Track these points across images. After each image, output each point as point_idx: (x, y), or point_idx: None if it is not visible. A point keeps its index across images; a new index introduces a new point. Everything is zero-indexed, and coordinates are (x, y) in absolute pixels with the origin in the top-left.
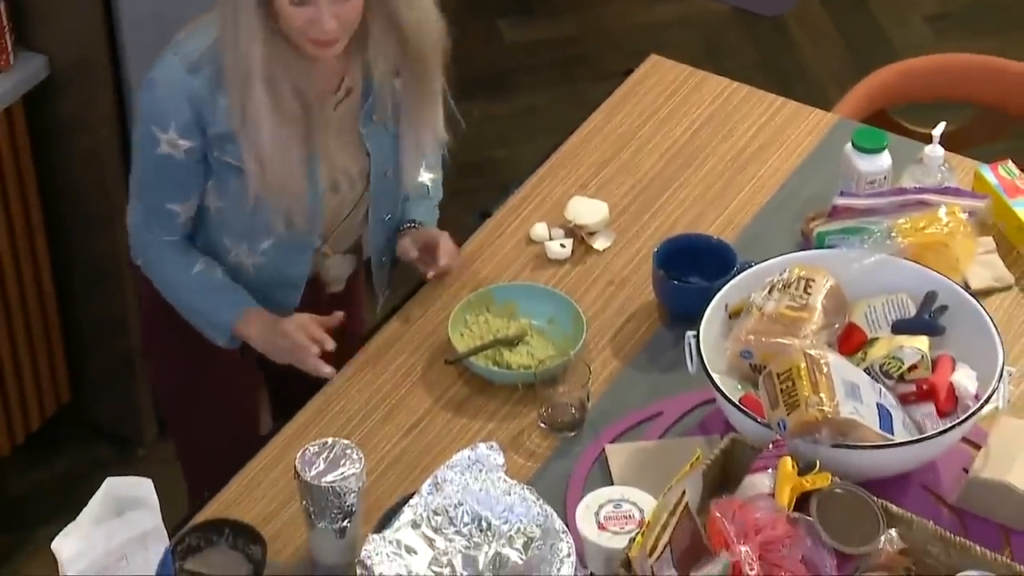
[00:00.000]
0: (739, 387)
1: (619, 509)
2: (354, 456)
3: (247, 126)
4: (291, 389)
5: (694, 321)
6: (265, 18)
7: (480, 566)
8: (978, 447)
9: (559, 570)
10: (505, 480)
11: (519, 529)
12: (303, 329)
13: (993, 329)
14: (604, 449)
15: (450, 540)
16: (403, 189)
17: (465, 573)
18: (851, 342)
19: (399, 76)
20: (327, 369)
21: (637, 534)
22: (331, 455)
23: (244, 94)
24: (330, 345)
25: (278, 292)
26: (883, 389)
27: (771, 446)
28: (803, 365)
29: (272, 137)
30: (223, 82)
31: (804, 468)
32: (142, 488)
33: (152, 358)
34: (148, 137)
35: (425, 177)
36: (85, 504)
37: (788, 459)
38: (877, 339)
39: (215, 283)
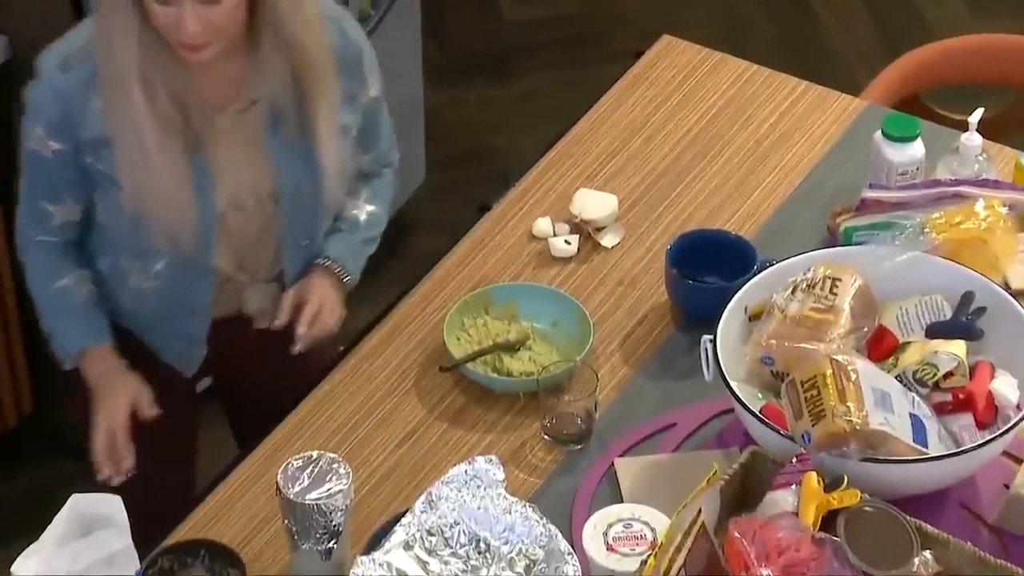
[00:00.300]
0: (760, 396)
1: (629, 529)
2: (341, 471)
3: (120, 131)
4: (252, 419)
5: (710, 324)
6: (140, 17)
7: None
8: (1020, 461)
9: None
10: (505, 497)
11: (520, 551)
12: (109, 432)
13: None
14: (613, 463)
15: (445, 563)
16: (327, 214)
17: None
18: (881, 347)
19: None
20: (112, 482)
21: (649, 556)
22: (316, 470)
23: (117, 96)
24: (126, 465)
25: (182, 322)
26: (916, 398)
27: (795, 460)
28: (829, 372)
29: (146, 145)
30: (98, 83)
31: (830, 484)
32: (110, 505)
33: (78, 389)
34: (24, 129)
35: (364, 209)
36: (48, 522)
37: (813, 474)
38: (910, 344)
39: (74, 305)
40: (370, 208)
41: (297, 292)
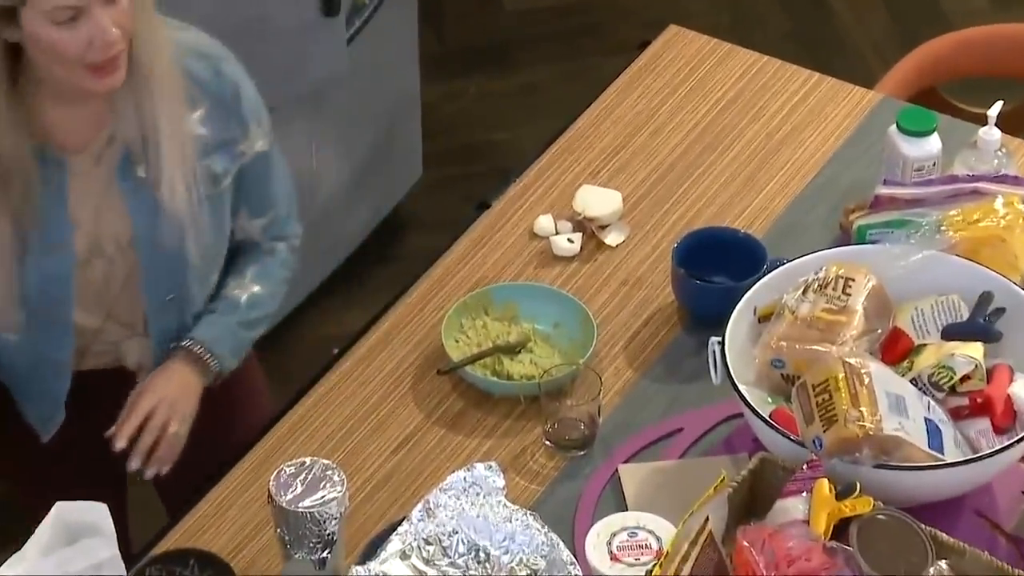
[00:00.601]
0: (769, 400)
1: (634, 537)
2: (335, 478)
3: None
4: (175, 481)
5: (718, 325)
6: None
7: None
8: None
9: None
10: (506, 505)
11: (521, 560)
12: None
13: None
14: (617, 470)
15: (444, 573)
16: (197, 267)
17: None
18: (896, 349)
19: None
20: None
21: (654, 566)
22: (309, 477)
23: None
24: None
25: (46, 378)
26: (932, 402)
27: (805, 467)
28: (841, 375)
29: None
30: None
31: (842, 491)
32: (96, 513)
33: None
34: None
35: (248, 289)
36: (32, 531)
37: (824, 481)
38: (925, 346)
39: None
40: (255, 289)
41: (135, 394)
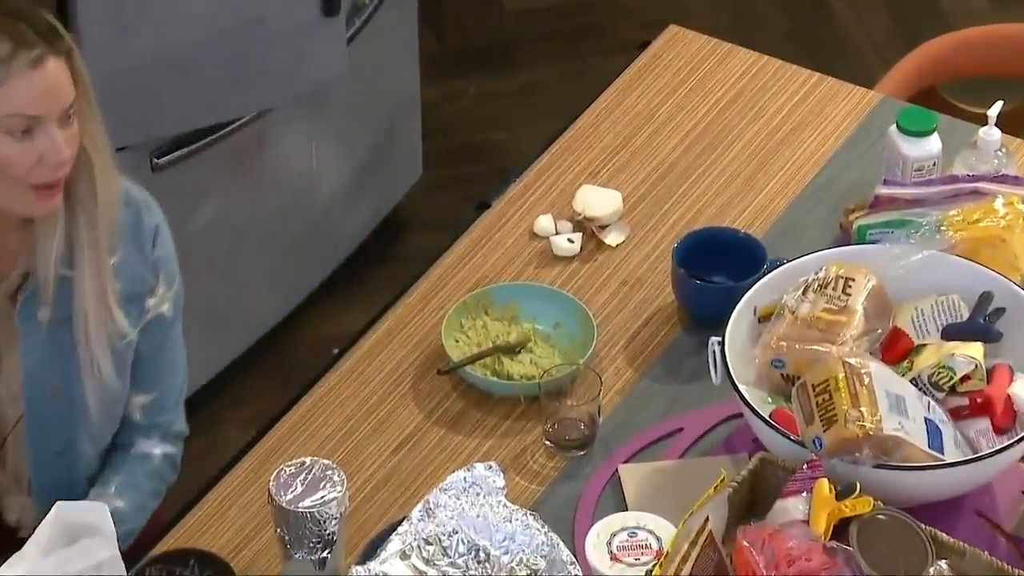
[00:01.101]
0: (769, 400)
1: (634, 538)
2: (335, 478)
3: None
4: None
5: (718, 325)
6: None
7: None
8: None
9: None
10: (506, 505)
11: (521, 560)
12: None
13: None
14: (617, 470)
15: (444, 573)
16: (95, 421)
17: None
18: (896, 349)
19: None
20: None
21: (654, 566)
22: (309, 477)
23: None
24: None
25: None
26: (932, 402)
27: (805, 467)
28: (841, 375)
29: None
30: None
31: (842, 491)
32: (96, 513)
33: None
34: None
35: (111, 503)
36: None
37: (824, 481)
38: (925, 346)
39: None
40: (118, 504)
41: None
